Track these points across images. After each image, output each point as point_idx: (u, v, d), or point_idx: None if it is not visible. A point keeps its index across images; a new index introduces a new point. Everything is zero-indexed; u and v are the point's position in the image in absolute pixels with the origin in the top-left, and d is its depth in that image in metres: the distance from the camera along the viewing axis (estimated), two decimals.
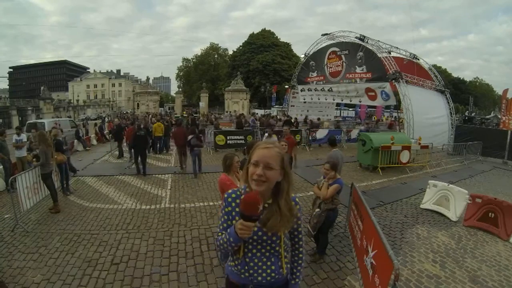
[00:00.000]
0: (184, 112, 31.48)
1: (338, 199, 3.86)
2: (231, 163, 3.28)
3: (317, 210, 3.79)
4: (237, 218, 1.34)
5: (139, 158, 8.41)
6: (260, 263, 1.42)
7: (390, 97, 13.28)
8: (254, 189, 1.31)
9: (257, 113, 22.18)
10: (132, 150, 8.85)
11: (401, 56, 14.76)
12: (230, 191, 1.48)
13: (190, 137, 8.24)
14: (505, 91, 13.78)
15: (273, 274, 1.43)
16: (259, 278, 1.43)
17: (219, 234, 1.43)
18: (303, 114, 21.05)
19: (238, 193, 1.44)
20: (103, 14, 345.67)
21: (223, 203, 1.46)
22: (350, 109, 37.21)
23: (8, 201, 5.53)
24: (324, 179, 3.89)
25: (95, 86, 74.35)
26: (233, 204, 1.42)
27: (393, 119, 22.96)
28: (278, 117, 21.89)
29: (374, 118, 29.41)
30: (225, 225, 1.43)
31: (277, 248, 1.43)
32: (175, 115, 26.62)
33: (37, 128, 11.11)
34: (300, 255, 1.57)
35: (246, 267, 1.42)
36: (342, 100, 17.66)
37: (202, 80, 47.86)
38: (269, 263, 1.43)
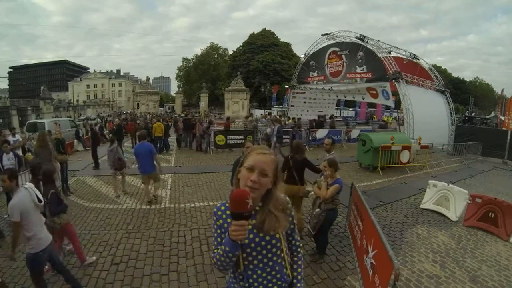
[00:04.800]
0: (183, 113, 31.82)
1: (338, 199, 3.86)
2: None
3: (317, 210, 3.80)
4: None
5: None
6: (264, 274, 1.32)
7: (390, 97, 13.31)
8: None
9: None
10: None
11: (401, 56, 14.74)
12: (218, 204, 1.43)
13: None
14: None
15: (279, 283, 1.35)
16: None
17: (215, 250, 1.31)
18: (303, 114, 21.03)
19: (227, 205, 1.33)
20: (106, 14, 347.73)
21: (214, 217, 1.38)
22: (350, 109, 37.11)
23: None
24: (323, 178, 3.89)
25: (95, 86, 74.24)
26: (224, 216, 1.34)
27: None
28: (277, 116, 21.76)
29: (375, 118, 29.31)
30: (219, 239, 1.33)
31: (278, 253, 1.36)
32: (174, 115, 27.11)
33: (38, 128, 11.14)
34: (299, 255, 1.53)
35: (251, 280, 1.32)
36: (345, 97, 17.66)
37: (202, 80, 47.76)
38: (273, 272, 1.34)
